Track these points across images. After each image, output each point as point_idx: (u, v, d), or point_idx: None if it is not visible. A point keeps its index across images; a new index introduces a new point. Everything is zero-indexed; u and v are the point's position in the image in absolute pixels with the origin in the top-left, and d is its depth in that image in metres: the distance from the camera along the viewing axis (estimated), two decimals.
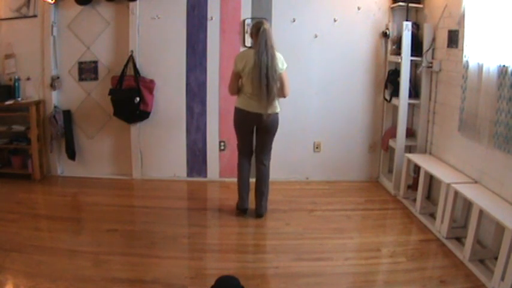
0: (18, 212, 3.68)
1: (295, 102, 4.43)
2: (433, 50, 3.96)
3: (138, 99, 4.21)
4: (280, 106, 3.51)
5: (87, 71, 4.45)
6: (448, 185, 3.24)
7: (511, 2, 2.76)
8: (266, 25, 3.32)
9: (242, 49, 4.32)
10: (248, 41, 4.28)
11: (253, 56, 3.29)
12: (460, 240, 3.20)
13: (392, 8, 4.33)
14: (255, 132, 3.60)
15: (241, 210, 3.69)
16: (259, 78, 3.26)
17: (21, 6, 4.34)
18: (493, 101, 2.89)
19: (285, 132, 4.37)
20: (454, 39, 3.59)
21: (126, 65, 4.27)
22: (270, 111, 3.40)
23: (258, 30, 3.29)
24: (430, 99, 4.05)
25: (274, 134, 3.59)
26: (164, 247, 3.14)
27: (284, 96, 3.51)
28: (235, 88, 3.49)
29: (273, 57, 3.28)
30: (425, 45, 3.98)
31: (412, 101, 4.15)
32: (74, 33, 4.39)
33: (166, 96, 4.44)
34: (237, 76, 3.42)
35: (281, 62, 3.38)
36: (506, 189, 2.90)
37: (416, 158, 3.91)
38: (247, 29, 4.27)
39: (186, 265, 2.93)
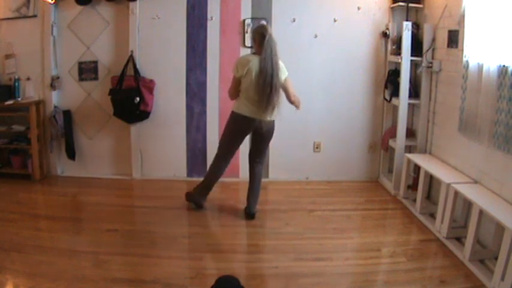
0: (18, 212, 3.68)
1: None
2: (433, 50, 3.96)
3: (138, 99, 4.21)
4: (279, 114, 3.49)
5: (87, 71, 4.45)
6: (448, 185, 3.24)
7: (511, 2, 2.76)
8: (270, 30, 3.32)
9: (242, 49, 4.34)
10: (248, 41, 4.29)
11: (257, 63, 3.29)
12: (460, 240, 3.20)
13: (392, 8, 4.33)
14: (250, 137, 3.62)
15: (197, 203, 3.74)
16: (263, 86, 3.27)
17: (21, 6, 4.34)
18: (493, 101, 2.89)
19: (285, 132, 4.38)
20: (454, 39, 3.59)
21: (126, 65, 4.27)
22: (269, 118, 3.44)
23: (263, 37, 3.28)
24: (430, 99, 4.05)
25: (270, 140, 3.63)
26: (164, 247, 3.14)
27: (293, 103, 3.54)
28: (237, 93, 3.49)
29: (277, 65, 3.30)
30: (425, 45, 3.97)
31: (412, 101, 4.15)
32: (74, 33, 4.39)
33: (166, 96, 4.44)
34: (238, 82, 3.42)
35: (283, 71, 3.39)
36: (506, 189, 2.90)
37: (416, 158, 3.91)
38: (248, 29, 4.28)
39: (186, 265, 2.92)
